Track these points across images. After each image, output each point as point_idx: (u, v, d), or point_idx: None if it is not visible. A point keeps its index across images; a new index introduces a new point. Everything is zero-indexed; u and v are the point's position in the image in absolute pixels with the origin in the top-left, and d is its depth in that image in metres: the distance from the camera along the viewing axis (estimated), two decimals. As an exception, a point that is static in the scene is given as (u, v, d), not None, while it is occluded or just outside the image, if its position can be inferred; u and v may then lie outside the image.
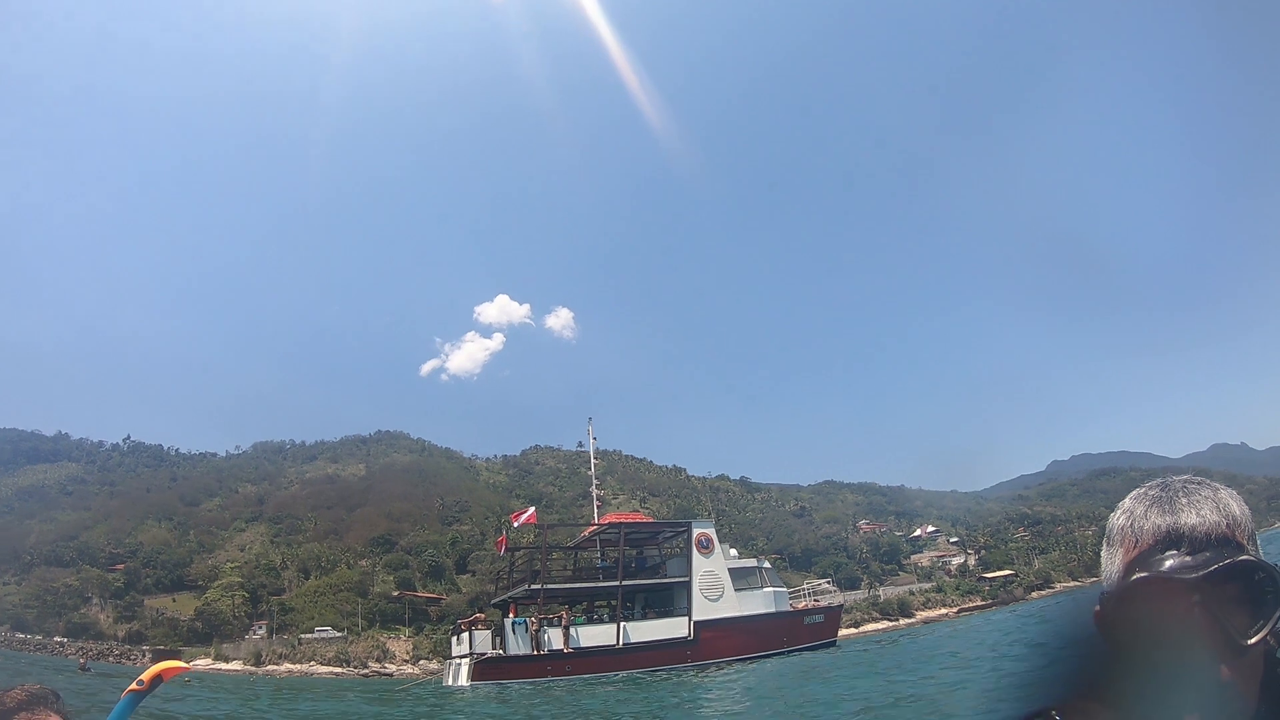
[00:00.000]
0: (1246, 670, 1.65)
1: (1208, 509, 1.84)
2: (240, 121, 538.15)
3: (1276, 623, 1.70)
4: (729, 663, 55.46)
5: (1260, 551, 1.80)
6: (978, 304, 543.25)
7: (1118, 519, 1.73)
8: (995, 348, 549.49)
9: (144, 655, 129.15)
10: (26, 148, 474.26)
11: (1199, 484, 1.69)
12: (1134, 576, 1.78)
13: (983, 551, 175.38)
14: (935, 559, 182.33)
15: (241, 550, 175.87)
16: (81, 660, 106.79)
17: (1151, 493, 1.70)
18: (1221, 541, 1.75)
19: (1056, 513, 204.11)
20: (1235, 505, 1.88)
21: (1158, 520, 1.68)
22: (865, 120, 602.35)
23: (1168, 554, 1.77)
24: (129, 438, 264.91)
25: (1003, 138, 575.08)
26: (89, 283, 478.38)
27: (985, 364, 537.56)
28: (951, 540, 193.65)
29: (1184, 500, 1.87)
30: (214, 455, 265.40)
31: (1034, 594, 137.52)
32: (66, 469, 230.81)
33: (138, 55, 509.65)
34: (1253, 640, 1.64)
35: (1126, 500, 1.78)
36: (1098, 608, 1.57)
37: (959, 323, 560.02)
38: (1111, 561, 1.74)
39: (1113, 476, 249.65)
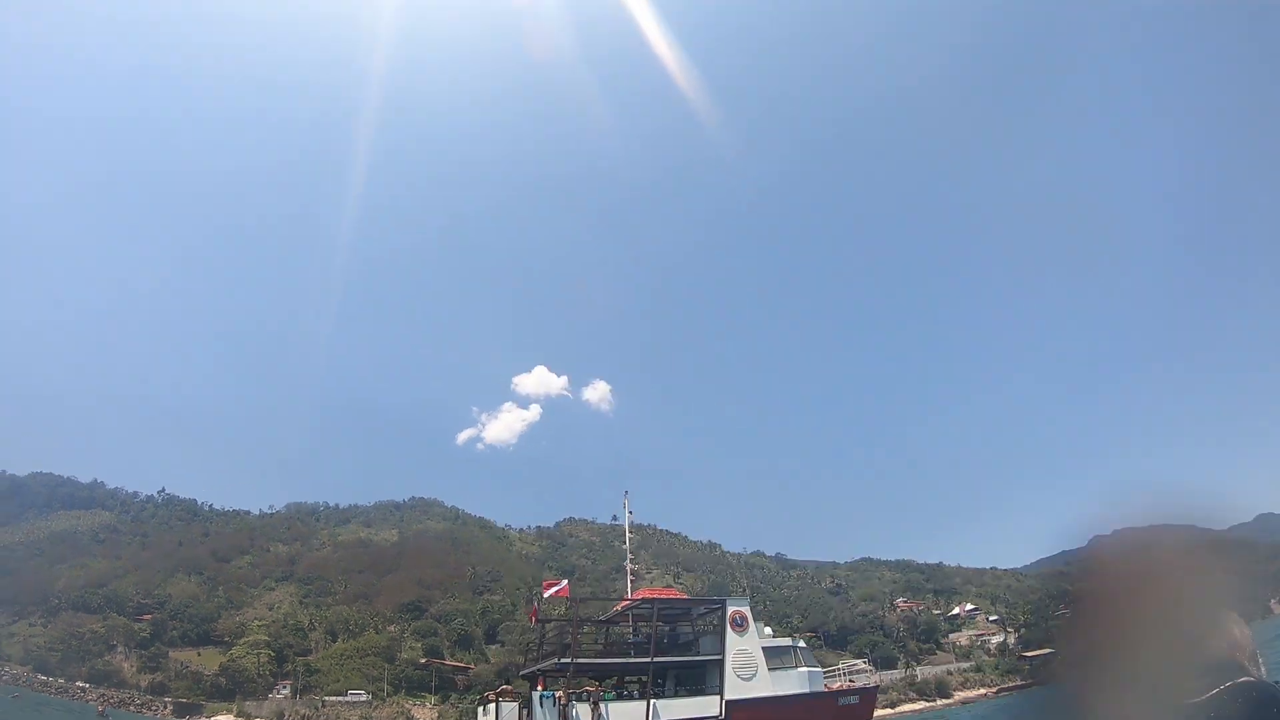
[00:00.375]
0: None
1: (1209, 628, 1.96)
2: (282, 188, 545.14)
3: None
4: None
5: (1262, 670, 1.82)
6: (1017, 377, 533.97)
7: (1085, 582, 1.87)
8: (1033, 420, 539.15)
9: (165, 706, 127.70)
10: (70, 201, 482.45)
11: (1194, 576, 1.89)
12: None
13: (1023, 630, 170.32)
14: (974, 637, 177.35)
15: (270, 609, 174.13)
16: (100, 707, 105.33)
17: (1129, 558, 1.83)
18: (1223, 665, 1.83)
19: (1097, 589, 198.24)
20: (1236, 629, 1.94)
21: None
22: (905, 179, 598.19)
23: None
24: (164, 490, 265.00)
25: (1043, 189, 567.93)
26: (133, 335, 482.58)
27: (1023, 436, 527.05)
28: (991, 619, 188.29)
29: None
30: (247, 513, 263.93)
31: None
32: (100, 517, 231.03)
33: (177, 130, 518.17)
34: None
35: (1095, 550, 1.89)
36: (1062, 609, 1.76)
37: (998, 396, 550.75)
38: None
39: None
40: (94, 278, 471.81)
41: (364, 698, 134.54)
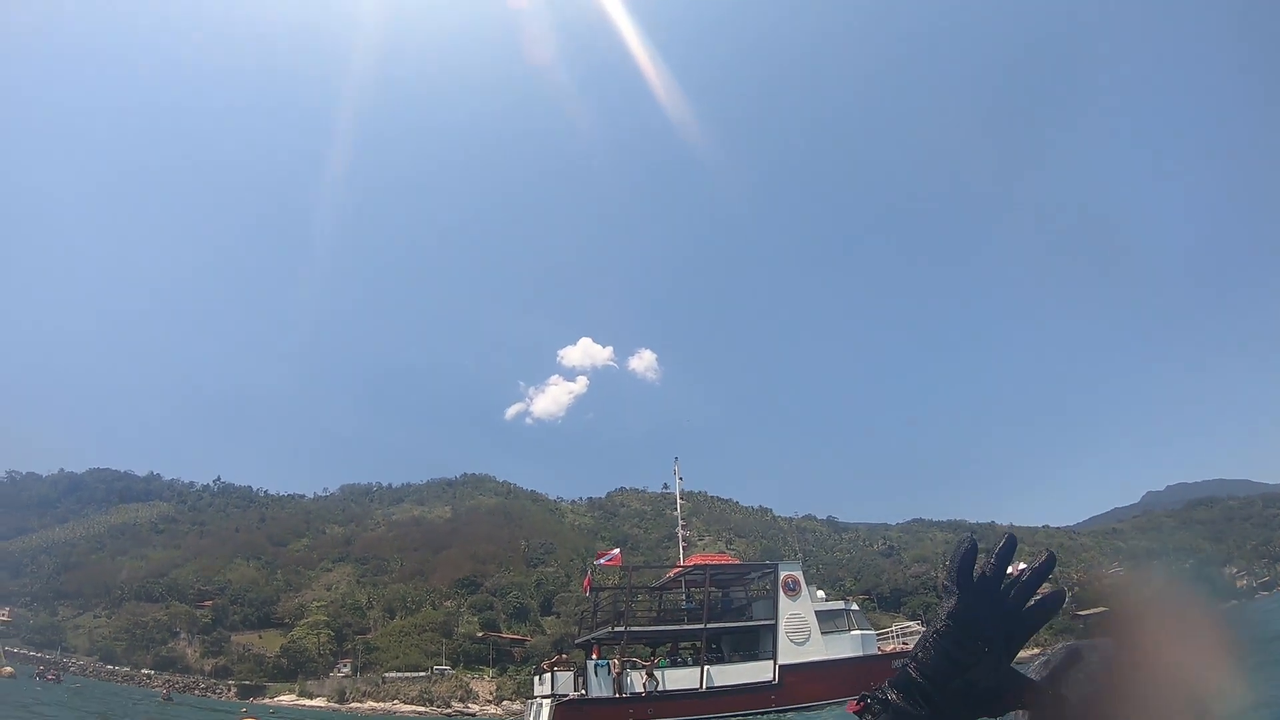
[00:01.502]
0: None
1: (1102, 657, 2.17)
2: (315, 178, 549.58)
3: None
4: (814, 708, 52.99)
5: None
6: (1066, 330, 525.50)
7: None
8: (1086, 376, 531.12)
9: (229, 689, 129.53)
10: (121, 205, 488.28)
11: (1089, 649, 2.02)
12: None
13: (1075, 589, 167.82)
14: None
15: (328, 590, 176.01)
16: (165, 691, 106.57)
17: (1052, 656, 2.05)
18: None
19: (1152, 546, 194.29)
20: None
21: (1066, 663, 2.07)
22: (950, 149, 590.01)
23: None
24: (219, 479, 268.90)
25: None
26: (180, 328, 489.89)
27: (1076, 393, 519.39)
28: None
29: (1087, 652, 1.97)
30: (302, 497, 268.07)
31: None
32: (158, 508, 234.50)
33: (233, 117, 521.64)
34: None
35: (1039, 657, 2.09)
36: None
37: (1048, 353, 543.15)
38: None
39: (1210, 506, 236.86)
40: (132, 276, 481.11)
41: (448, 670, 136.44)
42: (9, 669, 53.91)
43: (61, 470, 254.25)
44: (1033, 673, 1.78)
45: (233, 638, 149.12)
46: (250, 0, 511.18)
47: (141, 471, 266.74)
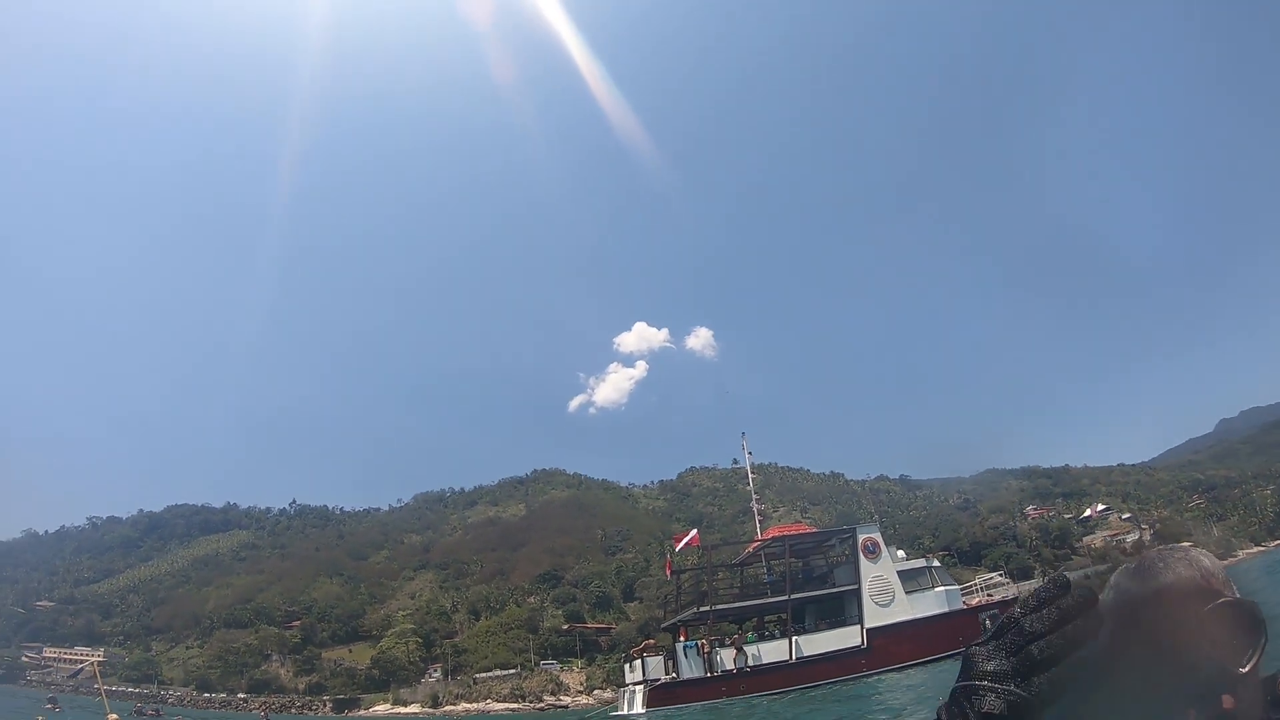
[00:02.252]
0: (1246, 699, 1.73)
1: (1181, 567, 1.83)
2: (363, 189, 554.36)
3: (1263, 651, 1.80)
4: (905, 668, 52.70)
5: (1236, 592, 1.90)
6: (1127, 258, 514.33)
7: (1106, 595, 1.92)
8: (1150, 305, 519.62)
9: (325, 705, 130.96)
10: (172, 245, 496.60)
11: (1171, 549, 1.94)
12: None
13: (1157, 525, 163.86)
14: (1108, 539, 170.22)
15: (412, 598, 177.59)
16: (263, 713, 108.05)
17: (1131, 567, 1.93)
18: (1200, 591, 1.88)
19: (1231, 474, 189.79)
20: (1206, 559, 2.00)
21: (1140, 588, 1.88)
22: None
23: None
24: (294, 502, 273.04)
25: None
26: (241, 359, 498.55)
27: (1138, 326, 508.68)
28: (1124, 517, 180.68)
29: (1160, 565, 1.83)
30: (377, 510, 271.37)
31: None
32: (237, 537, 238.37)
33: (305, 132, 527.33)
34: (1245, 669, 1.73)
35: (1112, 578, 2.00)
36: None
37: (1111, 285, 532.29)
38: (1105, 633, 1.92)
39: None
40: (185, 313, 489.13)
41: (575, 668, 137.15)
42: (114, 716, 54.15)
43: (140, 510, 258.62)
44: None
45: (323, 654, 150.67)
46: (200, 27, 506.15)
47: (218, 503, 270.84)
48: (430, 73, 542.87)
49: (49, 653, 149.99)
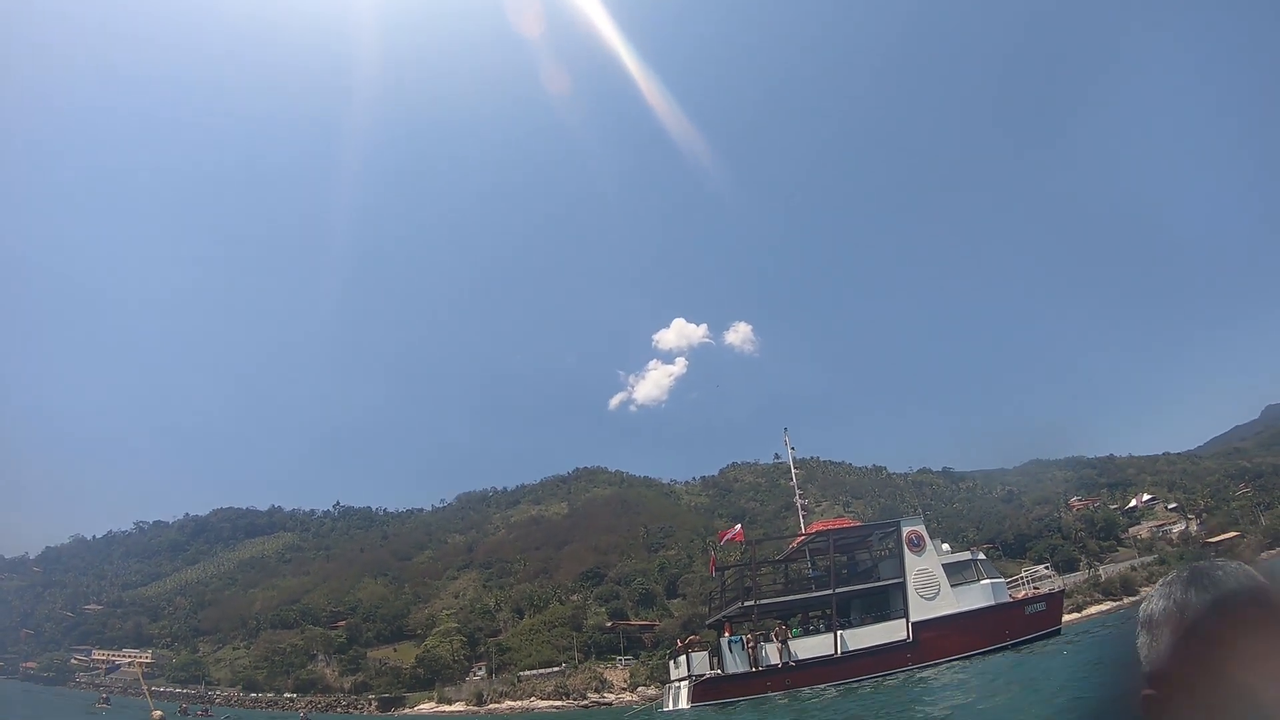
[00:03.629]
0: None
1: (1243, 575, 1.73)
2: (427, 197, 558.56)
3: None
4: (952, 661, 51.96)
5: None
6: (1168, 241, 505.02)
7: (1156, 604, 1.77)
8: (1188, 291, 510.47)
9: (370, 704, 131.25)
10: (217, 250, 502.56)
11: (1225, 563, 1.82)
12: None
13: (1204, 515, 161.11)
14: (1154, 529, 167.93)
15: (456, 597, 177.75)
16: (303, 713, 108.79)
17: (1184, 575, 1.78)
18: (1264, 600, 1.75)
19: (1279, 462, 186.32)
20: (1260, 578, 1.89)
21: (1200, 595, 1.75)
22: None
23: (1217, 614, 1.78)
24: (338, 503, 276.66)
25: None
26: (283, 364, 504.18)
27: (1181, 313, 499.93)
28: (1170, 507, 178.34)
29: (1220, 574, 1.71)
30: (421, 510, 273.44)
31: (1265, 554, 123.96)
32: (283, 539, 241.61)
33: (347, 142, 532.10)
34: None
35: (1157, 587, 1.83)
36: (1147, 691, 1.62)
37: (1151, 272, 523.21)
38: (1156, 642, 1.98)
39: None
40: (227, 319, 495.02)
41: (623, 660, 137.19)
42: (159, 713, 54.14)
43: (187, 515, 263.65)
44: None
45: (368, 654, 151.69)
46: (260, 29, 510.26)
47: (263, 506, 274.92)
48: (478, 81, 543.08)
49: (98, 655, 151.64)
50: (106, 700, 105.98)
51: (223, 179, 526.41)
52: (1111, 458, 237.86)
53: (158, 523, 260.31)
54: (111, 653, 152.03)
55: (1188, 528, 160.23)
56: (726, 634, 55.50)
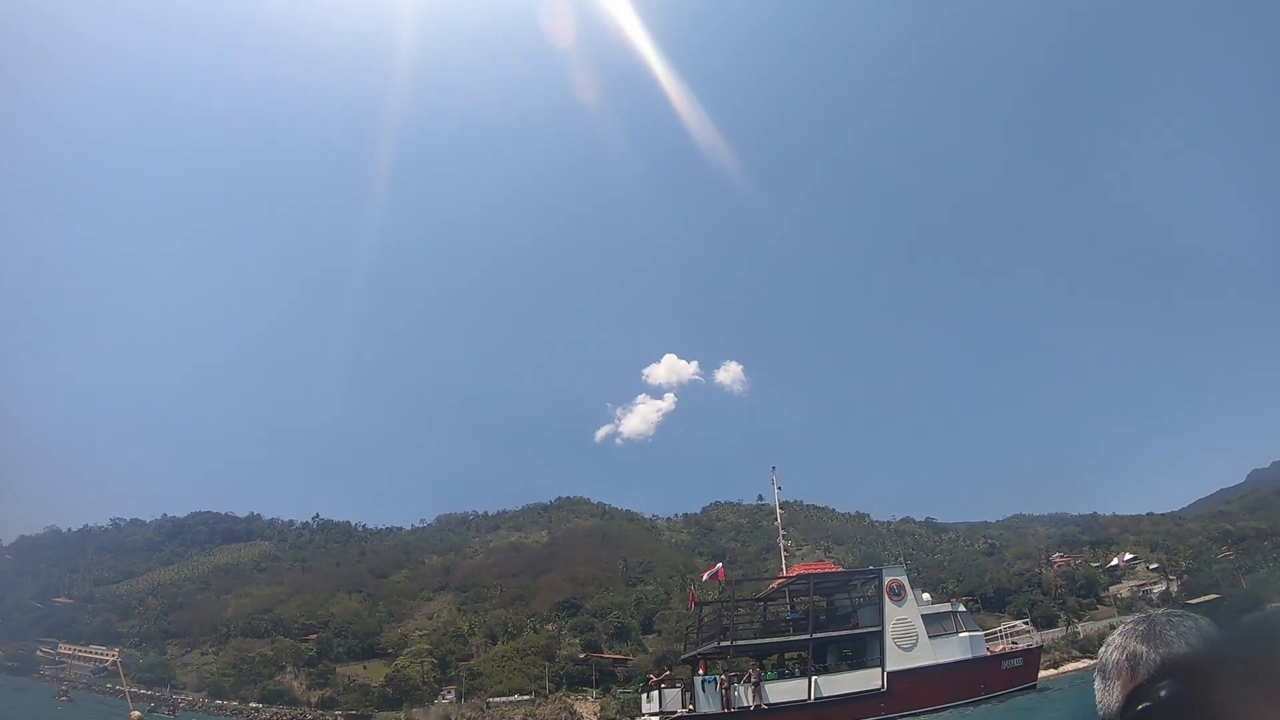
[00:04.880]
0: None
1: (1194, 635, 2.00)
2: (408, 208, 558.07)
3: None
4: (925, 713, 53.02)
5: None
6: (1157, 312, 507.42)
7: (1110, 653, 1.88)
8: (1177, 358, 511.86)
9: (336, 719, 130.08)
10: (207, 250, 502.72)
11: (1181, 617, 1.90)
12: (1140, 707, 1.74)
13: (1185, 576, 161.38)
14: (1135, 588, 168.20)
15: (430, 619, 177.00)
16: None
17: (1140, 629, 1.88)
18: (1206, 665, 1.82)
19: (1262, 526, 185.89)
20: (1215, 634, 1.94)
21: (1150, 652, 2.06)
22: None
23: (1163, 684, 1.73)
24: (318, 516, 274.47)
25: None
26: (271, 370, 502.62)
27: (1168, 376, 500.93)
28: (1151, 567, 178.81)
29: (1171, 633, 2.01)
30: (400, 529, 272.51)
31: (1244, 618, 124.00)
32: (259, 547, 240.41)
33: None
34: None
35: (1116, 636, 1.93)
36: None
37: (1138, 336, 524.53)
38: (1109, 693, 2.11)
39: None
40: (220, 318, 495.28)
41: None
42: (136, 713, 53.91)
43: (165, 515, 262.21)
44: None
45: (337, 669, 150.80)
46: (291, 40, 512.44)
47: (242, 513, 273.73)
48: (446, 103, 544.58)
49: (64, 649, 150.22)
50: (67, 695, 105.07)
51: (231, 179, 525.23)
52: (1095, 515, 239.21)
53: (135, 520, 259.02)
54: (78, 647, 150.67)
55: (1169, 588, 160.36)
56: (701, 672, 55.47)
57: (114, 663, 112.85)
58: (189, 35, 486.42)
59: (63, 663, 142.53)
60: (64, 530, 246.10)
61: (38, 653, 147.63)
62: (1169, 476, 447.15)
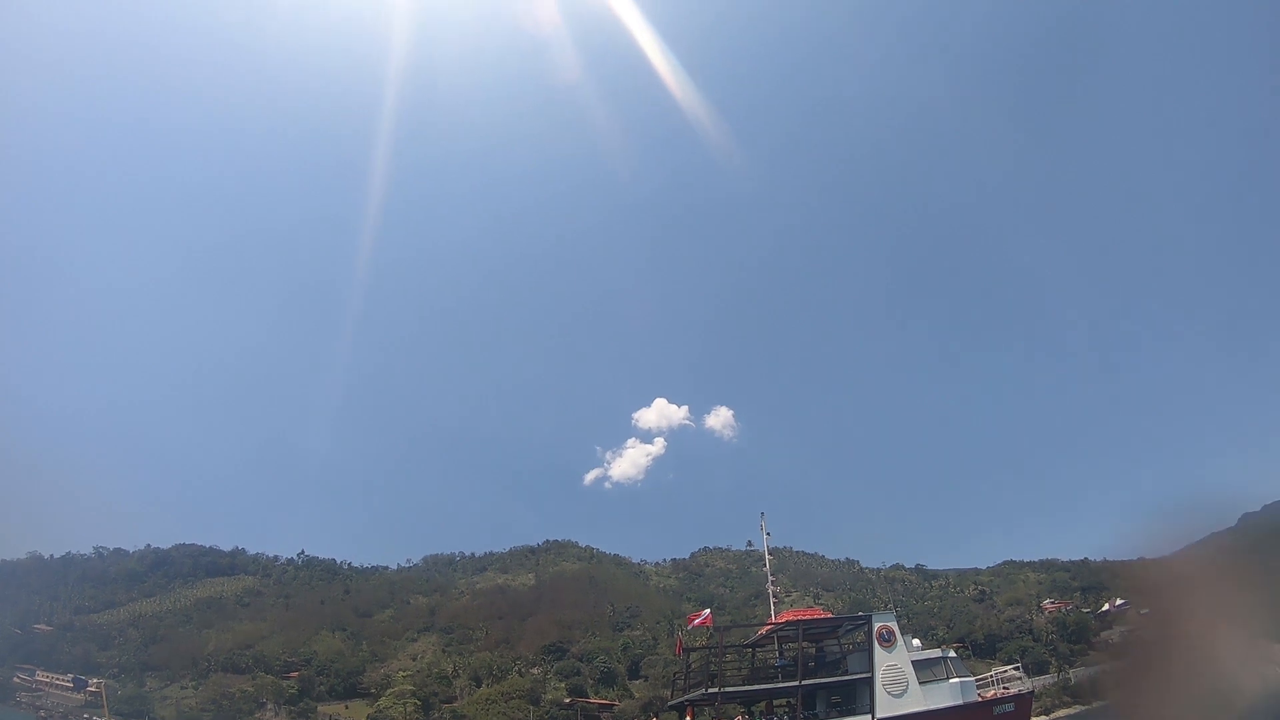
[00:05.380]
0: None
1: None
2: (395, 240, 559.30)
3: None
4: None
5: None
6: (1142, 351, 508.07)
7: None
8: (1168, 402, 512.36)
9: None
10: (200, 277, 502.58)
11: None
12: None
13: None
14: (1126, 634, 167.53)
15: (414, 659, 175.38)
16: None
17: None
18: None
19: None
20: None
21: None
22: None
23: None
24: (303, 552, 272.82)
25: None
26: (261, 405, 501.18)
27: (1156, 415, 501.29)
28: (1143, 612, 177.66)
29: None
30: (385, 568, 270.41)
31: None
32: (243, 582, 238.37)
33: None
34: None
35: None
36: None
37: (1127, 377, 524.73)
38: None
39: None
40: (210, 351, 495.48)
41: None
42: None
43: (148, 546, 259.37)
44: None
45: (319, 708, 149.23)
46: (275, 40, 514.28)
47: (227, 546, 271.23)
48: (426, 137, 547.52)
49: (42, 676, 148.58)
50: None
51: (211, 198, 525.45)
52: (1086, 561, 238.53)
53: (118, 550, 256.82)
54: (56, 675, 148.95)
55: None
56: (688, 719, 55.50)
57: (99, 688, 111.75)
58: (169, 46, 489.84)
59: (40, 690, 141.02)
60: (46, 556, 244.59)
61: (14, 679, 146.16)
62: (1160, 521, 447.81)
